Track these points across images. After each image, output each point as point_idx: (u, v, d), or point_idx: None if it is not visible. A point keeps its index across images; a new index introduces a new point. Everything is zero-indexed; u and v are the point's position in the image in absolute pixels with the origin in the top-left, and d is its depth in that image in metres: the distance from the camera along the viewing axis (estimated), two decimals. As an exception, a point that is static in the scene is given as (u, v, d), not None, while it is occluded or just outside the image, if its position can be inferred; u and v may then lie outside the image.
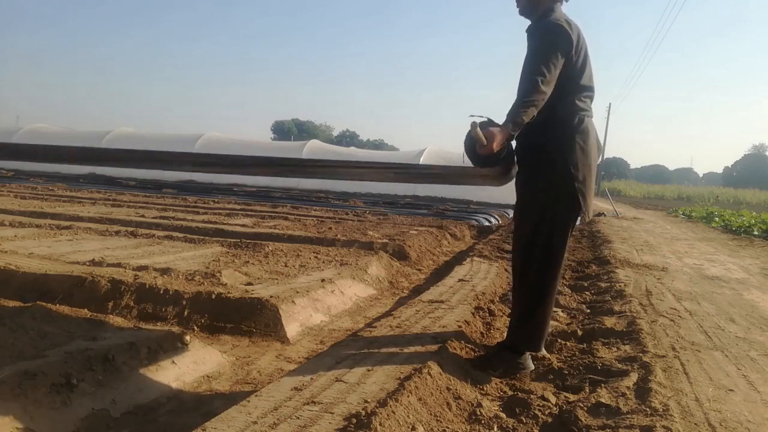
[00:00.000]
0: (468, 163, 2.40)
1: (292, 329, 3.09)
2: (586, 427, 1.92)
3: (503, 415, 2.06)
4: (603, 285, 4.55)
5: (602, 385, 2.29)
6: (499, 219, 11.06)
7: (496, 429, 1.96)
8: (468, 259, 5.45)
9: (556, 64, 2.27)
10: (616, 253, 6.43)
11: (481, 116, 2.21)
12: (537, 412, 2.08)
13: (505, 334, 2.72)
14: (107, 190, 12.40)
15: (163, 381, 2.31)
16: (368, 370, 2.20)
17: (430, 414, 1.95)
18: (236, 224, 7.00)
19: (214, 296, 3.19)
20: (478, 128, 2.09)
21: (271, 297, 3.22)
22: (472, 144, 2.22)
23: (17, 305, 2.90)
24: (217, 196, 12.38)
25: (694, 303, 4.11)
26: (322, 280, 3.88)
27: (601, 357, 2.66)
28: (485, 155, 2.19)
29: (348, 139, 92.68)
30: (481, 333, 3.10)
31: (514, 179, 2.62)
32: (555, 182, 2.40)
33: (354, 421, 1.72)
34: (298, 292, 3.43)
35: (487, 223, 10.21)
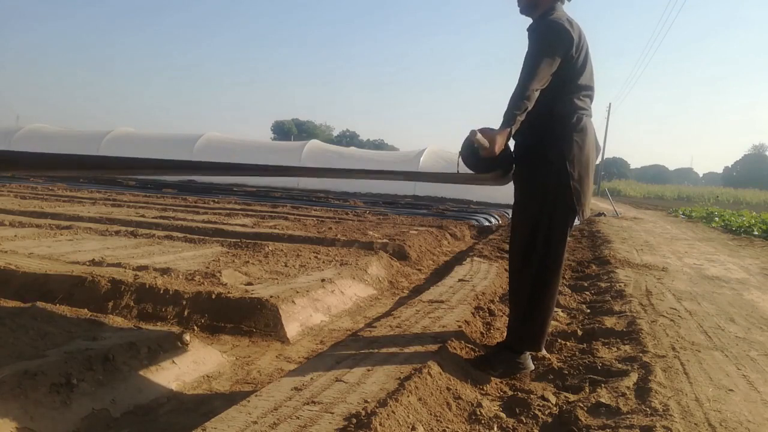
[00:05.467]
0: (464, 170, 2.42)
1: (292, 329, 3.09)
2: (586, 427, 1.92)
3: (503, 415, 2.06)
4: (603, 285, 4.55)
5: (602, 385, 2.29)
6: (499, 219, 11.06)
7: (496, 429, 1.96)
8: (468, 259, 5.45)
9: (552, 64, 2.28)
10: (616, 253, 6.43)
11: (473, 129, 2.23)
12: (537, 412, 2.08)
13: (505, 334, 2.72)
14: (107, 189, 12.39)
15: (163, 381, 2.31)
16: (368, 370, 2.20)
17: (430, 414, 1.95)
18: (236, 224, 7.00)
19: (214, 296, 3.19)
20: (479, 134, 2.12)
21: (271, 297, 3.22)
22: (470, 152, 2.24)
23: (17, 305, 2.90)
24: (217, 196, 12.38)
25: (694, 303, 4.11)
26: (322, 280, 3.88)
27: (601, 357, 2.66)
28: (486, 158, 2.21)
29: (348, 139, 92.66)
30: (481, 333, 3.10)
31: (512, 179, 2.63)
32: (552, 181, 2.40)
33: (354, 421, 1.72)
34: (298, 292, 3.43)
35: (487, 223, 10.21)
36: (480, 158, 2.24)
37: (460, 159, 2.34)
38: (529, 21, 2.52)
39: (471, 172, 2.44)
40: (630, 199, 39.92)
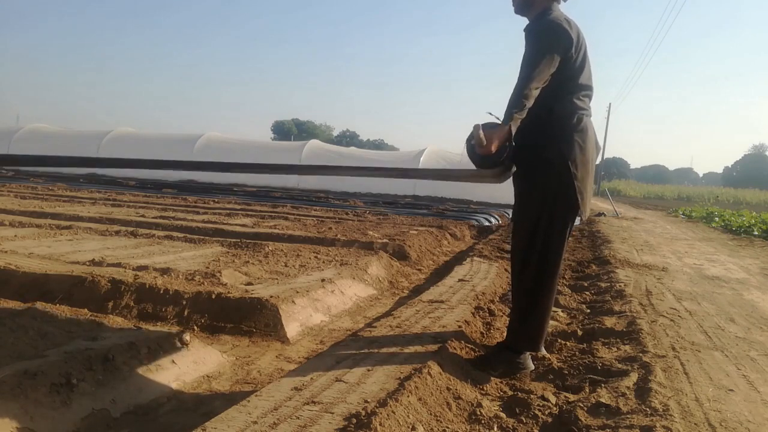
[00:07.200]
0: (470, 163, 2.43)
1: (292, 329, 3.09)
2: (586, 427, 1.92)
3: (503, 415, 2.06)
4: (603, 285, 4.55)
5: (602, 385, 2.29)
6: (499, 219, 11.06)
7: (496, 429, 1.96)
8: (468, 259, 5.45)
9: (551, 63, 2.28)
10: (616, 253, 6.43)
11: (498, 117, 2.24)
12: (537, 412, 2.08)
13: (505, 334, 2.72)
14: (107, 189, 12.39)
15: (163, 381, 2.31)
16: (368, 370, 2.20)
17: (430, 414, 1.95)
18: (236, 224, 7.00)
19: (214, 296, 3.19)
20: (481, 130, 2.12)
21: (271, 297, 3.22)
22: (473, 149, 2.24)
23: (17, 305, 2.90)
24: (217, 196, 12.38)
25: (694, 303, 4.11)
26: (322, 280, 3.88)
27: (601, 357, 2.66)
28: (484, 156, 2.20)
29: (348, 139, 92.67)
30: (481, 333, 3.10)
31: (511, 179, 2.62)
32: (553, 181, 2.40)
33: (354, 421, 1.72)
34: (298, 292, 3.43)
35: (487, 223, 10.21)
36: (479, 155, 2.24)
37: (466, 148, 2.34)
38: (525, 21, 2.52)
39: (474, 166, 2.44)
40: (630, 199, 39.90)
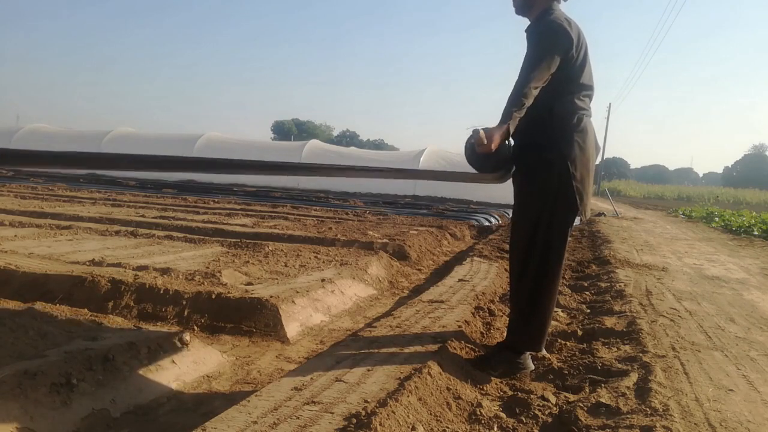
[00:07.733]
0: (469, 168, 2.43)
1: (292, 329, 3.09)
2: (586, 427, 1.92)
3: (503, 415, 2.06)
4: (603, 285, 4.55)
5: (602, 385, 2.29)
6: (499, 219, 11.06)
7: (496, 429, 1.96)
8: (468, 259, 5.45)
9: (551, 63, 2.28)
10: (616, 253, 6.43)
11: (477, 127, 2.24)
12: (537, 412, 2.08)
13: (505, 334, 2.72)
14: (107, 189, 12.39)
15: (163, 381, 2.31)
16: (368, 370, 2.20)
17: (430, 414, 1.95)
18: (236, 224, 7.00)
19: (214, 296, 3.19)
20: (481, 131, 2.14)
21: (271, 297, 3.22)
22: (472, 150, 2.25)
23: (17, 305, 2.90)
24: (217, 196, 12.38)
25: (694, 303, 4.11)
26: (322, 280, 3.88)
27: (601, 357, 2.66)
28: (484, 155, 2.21)
29: (348, 139, 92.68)
30: (481, 333, 3.11)
31: (511, 179, 2.63)
32: (553, 181, 2.40)
33: (354, 421, 1.72)
34: (298, 292, 3.43)
35: (487, 223, 10.21)
36: (479, 156, 2.25)
37: (464, 151, 2.35)
38: (527, 22, 2.52)
39: (475, 171, 2.45)
40: (630, 199, 39.89)
